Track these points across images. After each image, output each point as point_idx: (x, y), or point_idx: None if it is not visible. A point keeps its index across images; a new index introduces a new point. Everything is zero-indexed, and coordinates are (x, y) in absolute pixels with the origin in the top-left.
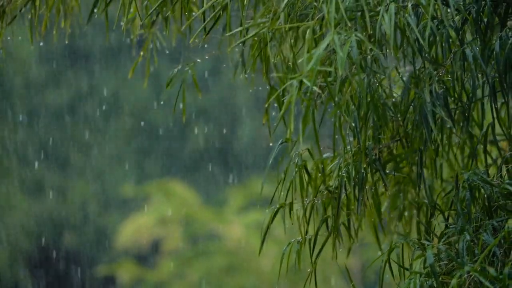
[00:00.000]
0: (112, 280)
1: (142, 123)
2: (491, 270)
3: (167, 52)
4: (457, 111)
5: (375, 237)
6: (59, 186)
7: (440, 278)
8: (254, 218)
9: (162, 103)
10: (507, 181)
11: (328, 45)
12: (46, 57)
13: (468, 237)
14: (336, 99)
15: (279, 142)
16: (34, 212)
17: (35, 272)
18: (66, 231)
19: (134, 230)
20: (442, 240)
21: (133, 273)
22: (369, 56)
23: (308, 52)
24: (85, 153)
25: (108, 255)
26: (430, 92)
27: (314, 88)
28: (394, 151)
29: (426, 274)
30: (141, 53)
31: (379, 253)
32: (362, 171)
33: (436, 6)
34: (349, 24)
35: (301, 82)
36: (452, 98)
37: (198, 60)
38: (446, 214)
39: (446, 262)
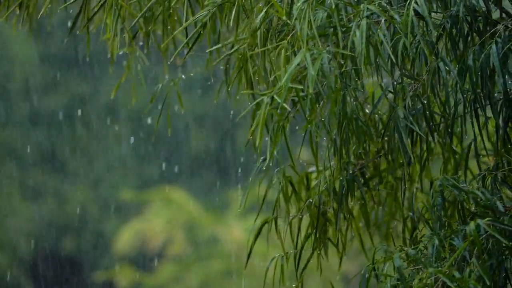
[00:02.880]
0: (110, 284)
1: (142, 128)
2: (456, 273)
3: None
4: (440, 126)
5: (362, 249)
6: (58, 191)
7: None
8: (258, 220)
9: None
10: (476, 186)
11: (300, 61)
12: (45, 61)
13: (437, 242)
14: (307, 116)
15: (262, 159)
16: (34, 216)
17: (34, 276)
18: (66, 236)
19: (133, 235)
20: (421, 245)
21: (131, 278)
22: (342, 70)
23: (282, 69)
24: (84, 158)
25: (107, 260)
26: (404, 107)
27: (284, 105)
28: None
29: (398, 278)
30: (125, 72)
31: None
32: (342, 189)
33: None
34: (318, 42)
35: (272, 99)
36: (429, 113)
37: (183, 76)
38: (420, 221)
39: (421, 266)
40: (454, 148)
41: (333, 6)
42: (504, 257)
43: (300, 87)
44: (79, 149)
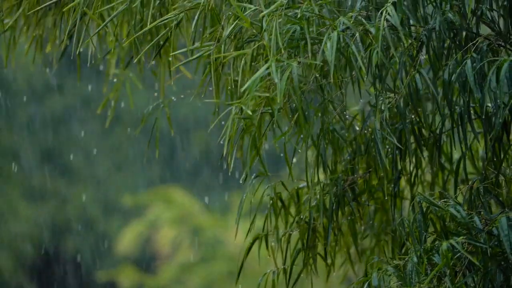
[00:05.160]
0: (113, 286)
1: (144, 129)
2: None
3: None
4: (429, 142)
5: (350, 265)
6: (60, 192)
7: None
8: (257, 224)
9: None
10: (451, 204)
11: (268, 72)
12: (47, 63)
13: (415, 259)
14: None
15: (253, 176)
16: (36, 218)
17: (37, 278)
18: (68, 237)
19: (135, 236)
20: (404, 261)
21: (133, 279)
22: (319, 83)
23: (246, 77)
24: (86, 159)
25: (109, 261)
26: (381, 120)
27: (249, 112)
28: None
29: None
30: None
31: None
32: (332, 205)
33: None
34: (282, 51)
35: (241, 109)
36: (418, 128)
37: (174, 98)
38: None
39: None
40: (442, 163)
41: (303, 19)
42: (487, 273)
43: (266, 94)
44: (81, 150)
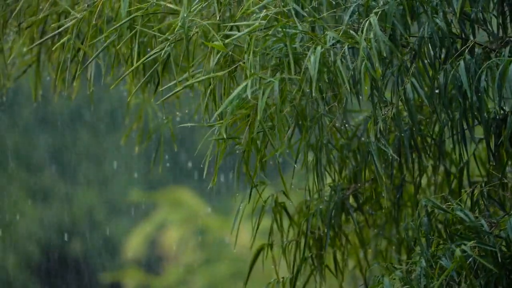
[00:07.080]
0: (118, 287)
1: (148, 130)
2: None
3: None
4: (432, 148)
5: (360, 273)
6: (66, 193)
7: None
8: (261, 225)
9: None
10: (458, 207)
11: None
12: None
13: (424, 263)
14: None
15: (252, 187)
16: (42, 219)
17: (42, 278)
18: (73, 238)
19: (140, 237)
20: (408, 266)
21: (139, 280)
22: (309, 98)
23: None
24: (92, 160)
25: (114, 262)
26: (376, 132)
27: (223, 133)
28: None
29: None
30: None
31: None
32: (331, 213)
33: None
34: (257, 70)
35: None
36: (420, 135)
37: (178, 113)
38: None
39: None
40: (447, 167)
41: (286, 36)
42: (492, 276)
43: (245, 112)
44: (87, 151)
